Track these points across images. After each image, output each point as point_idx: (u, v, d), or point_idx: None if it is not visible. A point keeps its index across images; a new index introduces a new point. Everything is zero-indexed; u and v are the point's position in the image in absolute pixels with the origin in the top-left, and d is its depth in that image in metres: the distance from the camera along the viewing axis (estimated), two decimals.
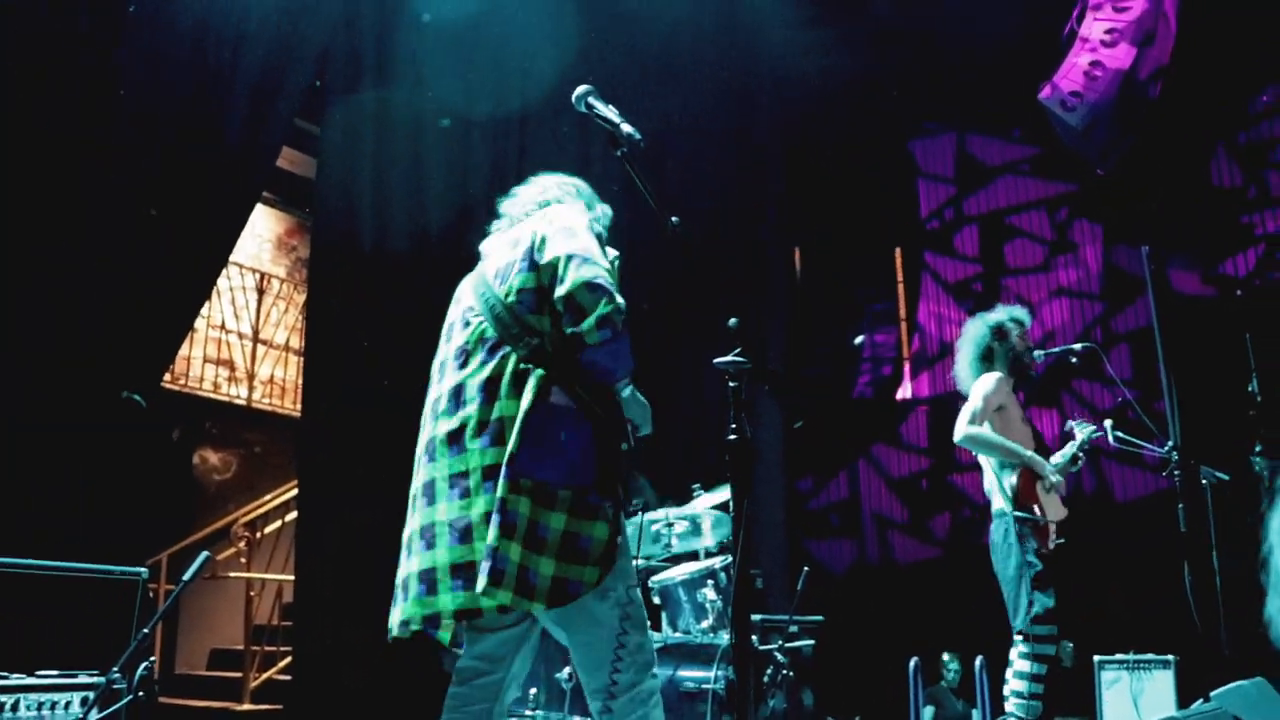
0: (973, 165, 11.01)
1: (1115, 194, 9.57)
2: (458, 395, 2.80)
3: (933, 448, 10.45)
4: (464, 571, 2.61)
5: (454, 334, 2.98)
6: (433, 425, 2.87)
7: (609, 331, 2.59)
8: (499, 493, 2.56)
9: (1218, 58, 9.02)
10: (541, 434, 2.60)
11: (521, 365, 2.69)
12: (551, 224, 2.80)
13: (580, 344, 2.63)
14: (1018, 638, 4.78)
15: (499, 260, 2.91)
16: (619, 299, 2.62)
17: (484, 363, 2.77)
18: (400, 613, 2.76)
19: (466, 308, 2.95)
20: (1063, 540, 4.84)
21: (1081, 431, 5.21)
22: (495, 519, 2.54)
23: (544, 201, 3.05)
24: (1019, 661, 4.74)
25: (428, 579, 2.68)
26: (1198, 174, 9.70)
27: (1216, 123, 9.69)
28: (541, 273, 2.73)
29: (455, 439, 2.74)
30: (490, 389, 2.72)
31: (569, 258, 2.66)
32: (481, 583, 2.51)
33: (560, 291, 2.64)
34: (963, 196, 11.00)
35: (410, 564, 2.76)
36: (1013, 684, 4.77)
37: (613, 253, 2.89)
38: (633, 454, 2.77)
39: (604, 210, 3.12)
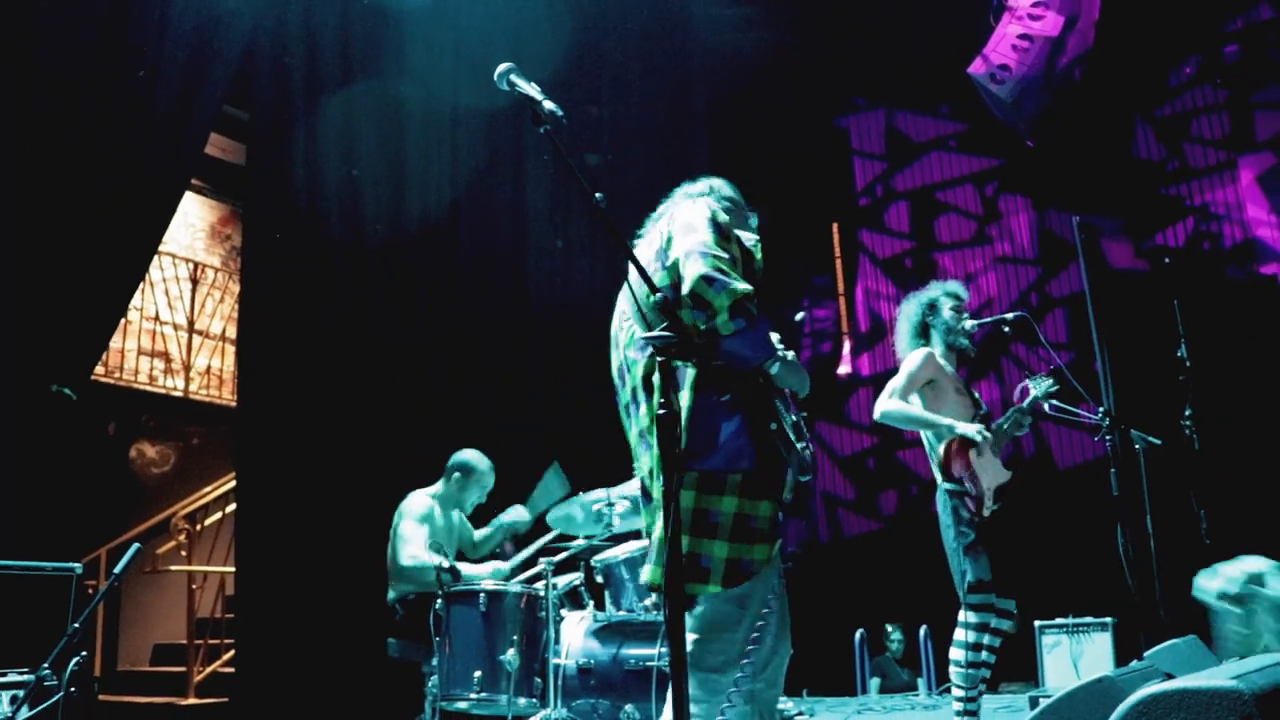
0: (902, 141, 11.12)
1: (1044, 165, 9.72)
2: (635, 396, 2.93)
3: (879, 425, 10.54)
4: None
5: (619, 339, 3.08)
6: (629, 426, 3.02)
7: (742, 320, 2.66)
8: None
9: (1139, 31, 9.16)
10: (697, 428, 2.71)
11: (672, 363, 2.74)
12: (674, 221, 2.90)
13: (717, 335, 2.70)
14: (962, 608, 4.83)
15: (643, 262, 2.96)
16: (738, 286, 2.67)
17: (641, 362, 2.89)
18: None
19: (621, 312, 3.07)
20: (997, 506, 4.85)
21: (1035, 387, 5.23)
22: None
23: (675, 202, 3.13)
24: (958, 630, 4.79)
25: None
26: (1120, 147, 9.88)
27: (1138, 96, 9.87)
28: (670, 272, 2.83)
29: (643, 436, 2.89)
30: (649, 387, 2.83)
31: (687, 255, 2.74)
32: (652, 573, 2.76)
33: (685, 289, 2.72)
34: (893, 173, 11.11)
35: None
36: (952, 653, 4.83)
37: (749, 238, 2.99)
38: (794, 426, 2.85)
39: (730, 197, 3.23)
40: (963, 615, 4.77)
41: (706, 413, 2.73)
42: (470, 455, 5.83)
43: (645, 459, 2.89)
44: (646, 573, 2.85)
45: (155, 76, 5.87)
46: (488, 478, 5.86)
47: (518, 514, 5.83)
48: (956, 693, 4.80)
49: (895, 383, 4.99)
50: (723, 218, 2.90)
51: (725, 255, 2.76)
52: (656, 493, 2.78)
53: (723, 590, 2.68)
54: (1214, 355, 6.67)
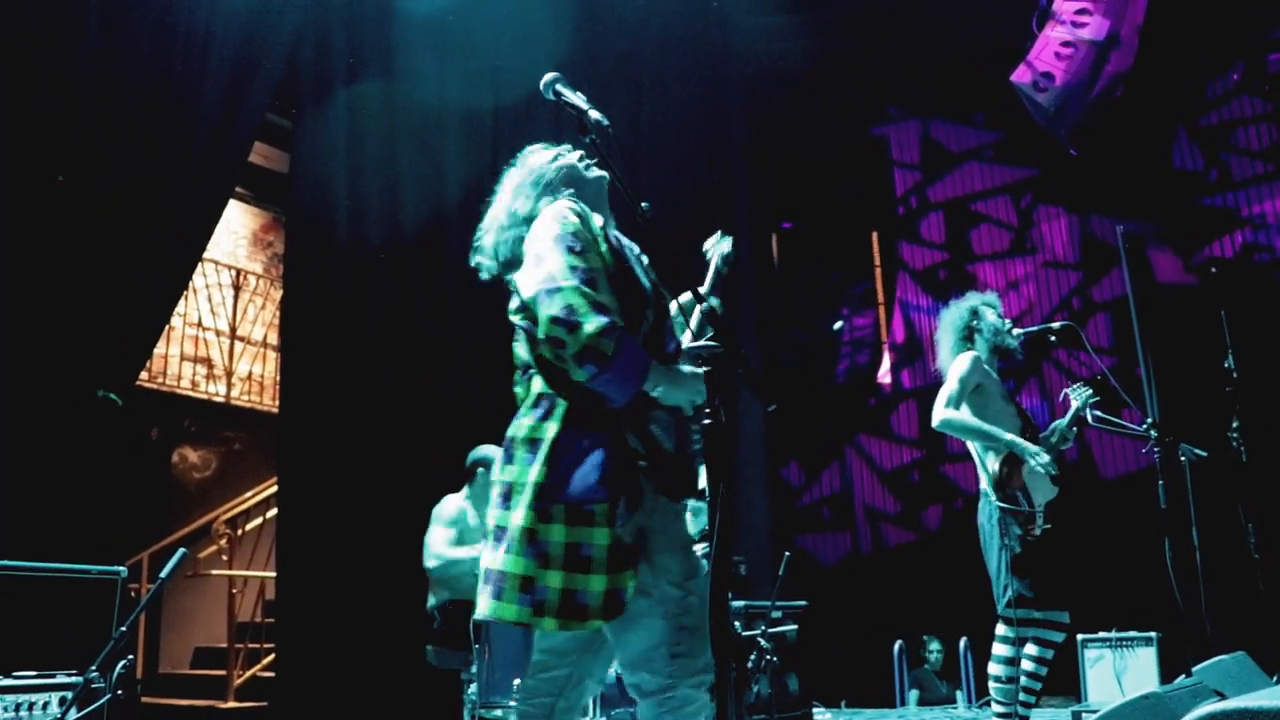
0: (938, 151, 11.03)
1: (1085, 173, 9.62)
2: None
3: (923, 439, 10.46)
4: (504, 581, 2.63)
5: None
6: None
7: (592, 367, 2.51)
8: (523, 522, 2.58)
9: (1180, 39, 9.05)
10: (560, 459, 2.60)
11: (543, 390, 2.70)
12: (529, 251, 2.73)
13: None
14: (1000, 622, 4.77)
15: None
16: (588, 323, 2.49)
17: (517, 383, 2.80)
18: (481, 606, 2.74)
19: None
20: (1049, 526, 4.76)
21: (1077, 398, 5.14)
22: (524, 548, 2.57)
23: (514, 218, 2.90)
24: (996, 645, 4.73)
25: (496, 582, 2.67)
26: (1159, 156, 9.77)
27: (1178, 105, 9.75)
28: (528, 309, 2.69)
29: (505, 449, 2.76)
30: (520, 409, 2.74)
31: (534, 297, 2.60)
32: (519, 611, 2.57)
33: (540, 333, 2.60)
34: (928, 183, 11.03)
35: (486, 557, 2.76)
36: (990, 668, 4.77)
37: (597, 220, 2.78)
38: (676, 439, 2.69)
39: (564, 171, 2.94)
40: (1000, 629, 4.72)
41: (573, 445, 2.60)
42: (486, 448, 5.83)
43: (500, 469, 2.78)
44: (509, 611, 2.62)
45: (200, 86, 5.94)
46: None
47: None
48: (997, 708, 4.75)
49: (948, 389, 4.86)
50: (571, 225, 2.69)
51: (579, 278, 2.56)
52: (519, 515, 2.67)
53: (605, 622, 2.58)
54: (1262, 366, 6.57)
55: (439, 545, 5.46)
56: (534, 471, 2.61)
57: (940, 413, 4.83)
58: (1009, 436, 4.77)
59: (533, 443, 2.65)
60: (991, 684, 4.76)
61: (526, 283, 2.67)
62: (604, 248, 2.74)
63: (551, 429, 2.64)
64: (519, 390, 2.80)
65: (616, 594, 2.55)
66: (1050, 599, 4.71)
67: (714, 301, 3.13)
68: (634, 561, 2.60)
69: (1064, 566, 4.80)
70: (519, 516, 2.61)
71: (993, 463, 4.81)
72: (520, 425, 2.70)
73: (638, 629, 2.59)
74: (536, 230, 2.73)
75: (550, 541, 2.57)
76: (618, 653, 2.70)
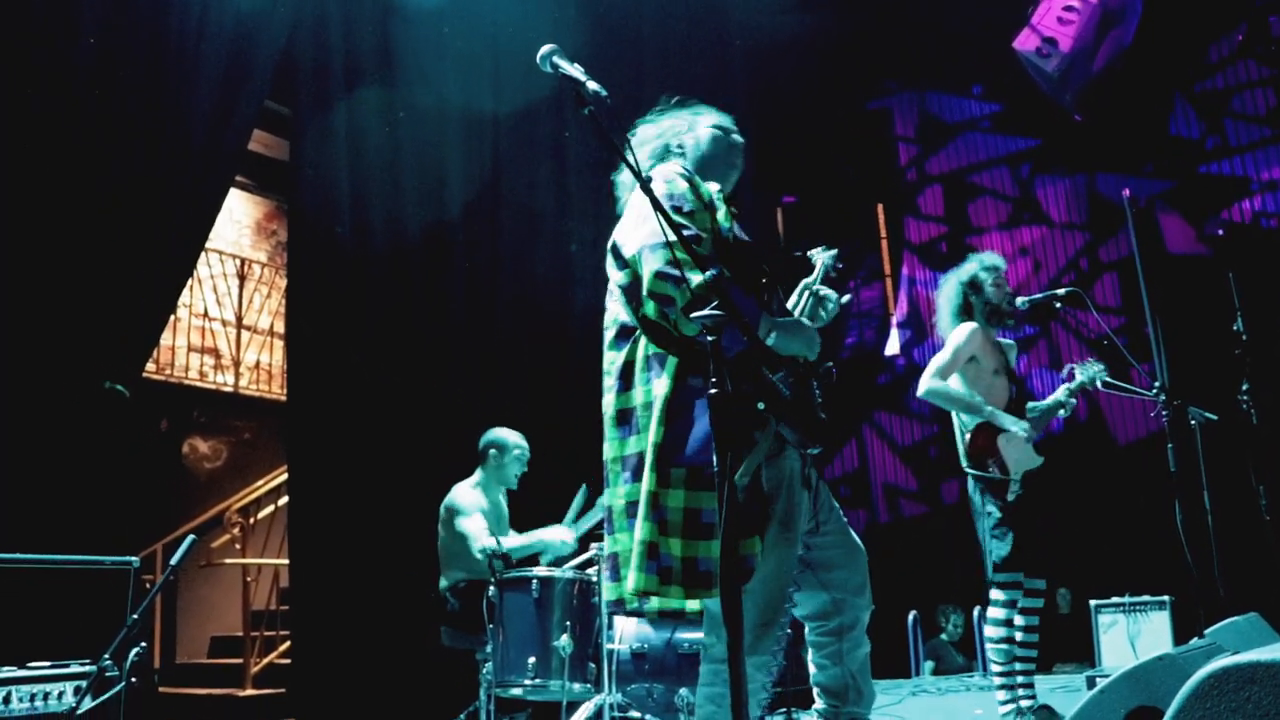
0: (934, 124, 10.99)
1: (1088, 139, 9.57)
2: (607, 377, 2.81)
3: (939, 413, 10.42)
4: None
5: (608, 305, 2.92)
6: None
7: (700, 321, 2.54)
8: (649, 485, 2.55)
9: (1179, 5, 8.97)
10: (677, 420, 2.58)
11: (652, 351, 2.68)
12: (630, 211, 2.79)
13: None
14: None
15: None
16: (692, 278, 2.52)
17: (619, 347, 2.77)
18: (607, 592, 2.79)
19: (610, 281, 2.92)
20: (1021, 491, 4.76)
21: (1083, 373, 5.12)
22: (649, 512, 2.54)
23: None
24: (990, 609, 4.78)
25: (613, 565, 2.70)
26: (1159, 122, 9.72)
27: (1177, 71, 9.68)
28: (631, 267, 2.74)
29: (616, 421, 2.74)
30: (626, 375, 2.72)
31: (638, 254, 2.65)
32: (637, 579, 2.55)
33: (644, 289, 2.63)
34: (925, 156, 10.99)
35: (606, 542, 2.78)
36: (986, 630, 4.84)
37: (712, 187, 2.84)
38: (797, 391, 2.69)
39: (695, 142, 3.06)
40: (992, 594, 4.75)
41: (688, 403, 2.60)
42: (497, 431, 5.83)
43: (606, 447, 2.79)
44: (632, 580, 2.61)
45: (197, 74, 5.92)
46: (522, 447, 5.82)
47: (561, 535, 5.59)
48: (994, 668, 4.80)
49: (940, 359, 4.87)
50: (679, 189, 2.74)
51: (683, 235, 2.57)
52: (620, 488, 2.67)
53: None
54: (1271, 329, 6.54)
55: (484, 537, 5.38)
56: (651, 434, 2.59)
57: (926, 381, 4.84)
58: (988, 408, 4.78)
59: (649, 406, 2.63)
60: (988, 645, 4.81)
61: (629, 241, 2.71)
62: (721, 212, 2.77)
63: (663, 388, 2.61)
64: (611, 353, 2.77)
65: (742, 560, 2.51)
66: (1030, 565, 4.72)
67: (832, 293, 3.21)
68: (759, 525, 2.56)
69: (1047, 533, 4.81)
70: (646, 481, 2.59)
71: (967, 433, 4.83)
72: (635, 393, 2.68)
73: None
74: (637, 194, 2.78)
75: (669, 507, 2.55)
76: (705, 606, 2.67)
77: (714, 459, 2.27)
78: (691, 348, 2.61)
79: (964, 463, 4.86)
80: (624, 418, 2.71)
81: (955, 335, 4.91)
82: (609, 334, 2.84)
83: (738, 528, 2.47)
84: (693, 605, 2.66)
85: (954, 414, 4.99)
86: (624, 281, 2.79)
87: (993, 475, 4.72)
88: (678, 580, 2.54)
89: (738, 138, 3.13)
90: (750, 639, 2.55)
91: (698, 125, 3.09)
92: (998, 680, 4.78)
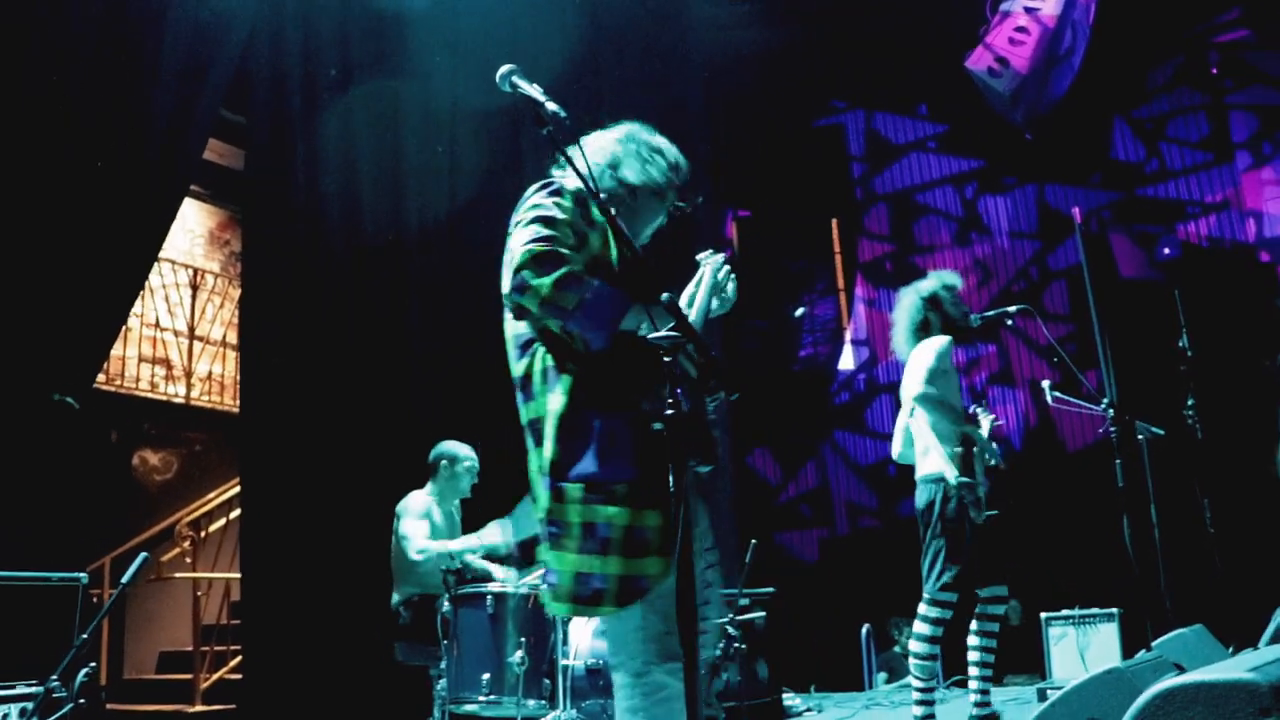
0: (881, 143, 11.11)
1: (1037, 158, 9.75)
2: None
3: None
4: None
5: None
6: None
7: (556, 319, 2.54)
8: (544, 502, 2.54)
9: (1123, 31, 9.13)
10: (573, 435, 2.54)
11: (549, 364, 2.63)
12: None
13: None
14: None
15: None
16: (534, 280, 2.49)
17: (518, 360, 2.72)
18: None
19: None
20: (995, 512, 4.77)
21: (985, 420, 5.20)
22: (544, 530, 2.54)
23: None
24: (917, 623, 4.70)
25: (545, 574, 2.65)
26: (1099, 146, 9.96)
27: (1117, 96, 9.91)
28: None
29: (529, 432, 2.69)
30: (526, 388, 2.67)
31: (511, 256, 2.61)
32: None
33: (508, 313, 2.65)
34: (872, 175, 11.11)
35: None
36: (912, 645, 4.74)
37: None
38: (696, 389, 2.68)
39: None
40: (923, 609, 4.68)
41: (583, 418, 2.55)
42: (448, 444, 5.84)
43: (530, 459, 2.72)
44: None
45: (153, 82, 5.87)
46: (472, 459, 5.84)
47: (494, 536, 5.61)
48: (915, 683, 4.73)
49: (925, 364, 4.76)
50: (541, 205, 2.70)
51: (535, 249, 2.56)
52: (540, 498, 2.62)
53: (618, 610, 2.50)
54: (1216, 346, 6.67)
55: (420, 539, 5.43)
56: (547, 449, 2.56)
57: (917, 385, 4.74)
58: (968, 425, 4.82)
59: (546, 419, 2.59)
60: (912, 660, 4.73)
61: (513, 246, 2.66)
62: (598, 220, 2.72)
63: (558, 403, 2.57)
64: (517, 369, 2.72)
65: (632, 580, 2.48)
66: (989, 575, 4.74)
67: (667, 295, 3.15)
68: (654, 545, 2.51)
69: (1003, 542, 4.83)
70: (541, 498, 2.58)
71: (954, 445, 4.79)
72: (538, 405, 2.62)
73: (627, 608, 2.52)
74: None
75: (567, 523, 2.52)
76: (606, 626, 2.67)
77: (609, 477, 2.39)
78: (583, 359, 2.58)
79: (950, 473, 4.65)
80: (533, 428, 2.67)
81: (934, 344, 4.83)
82: (512, 346, 2.80)
83: (650, 548, 2.50)
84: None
85: (926, 426, 4.82)
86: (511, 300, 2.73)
87: (979, 484, 4.67)
88: (565, 598, 2.51)
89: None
90: (656, 647, 2.52)
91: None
92: (917, 695, 4.70)
